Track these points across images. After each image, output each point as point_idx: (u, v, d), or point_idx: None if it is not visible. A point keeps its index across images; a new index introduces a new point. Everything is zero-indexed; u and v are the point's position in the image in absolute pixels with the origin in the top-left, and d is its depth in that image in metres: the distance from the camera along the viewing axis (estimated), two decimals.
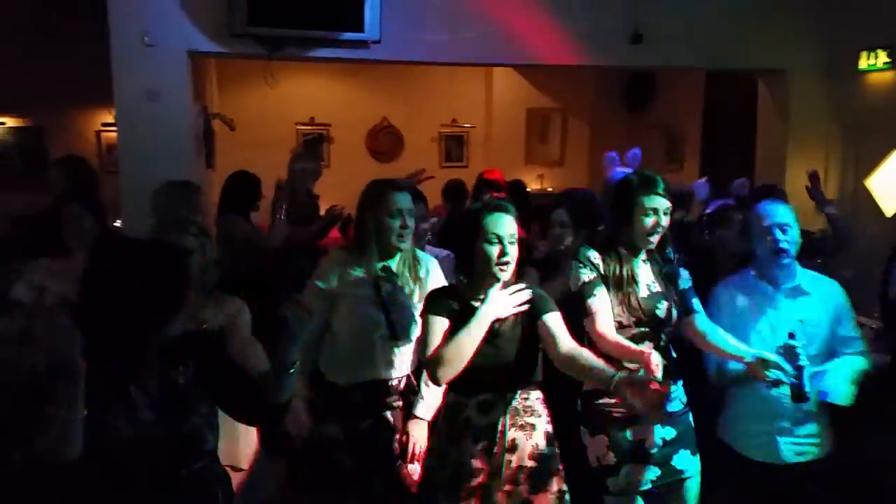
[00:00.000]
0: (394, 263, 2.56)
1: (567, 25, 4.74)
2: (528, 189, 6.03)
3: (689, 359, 2.60)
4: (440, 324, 2.18)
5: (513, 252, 2.17)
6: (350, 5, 4.13)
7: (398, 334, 2.51)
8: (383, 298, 2.48)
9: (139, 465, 1.68)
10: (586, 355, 2.12)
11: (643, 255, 2.47)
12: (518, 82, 7.86)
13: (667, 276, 2.48)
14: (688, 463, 2.46)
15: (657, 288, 2.46)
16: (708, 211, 3.63)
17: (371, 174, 5.93)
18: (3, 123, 7.25)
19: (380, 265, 2.52)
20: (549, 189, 7.92)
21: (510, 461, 2.18)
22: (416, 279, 2.59)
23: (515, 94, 7.93)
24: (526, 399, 2.24)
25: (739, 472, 2.62)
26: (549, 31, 4.72)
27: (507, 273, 2.18)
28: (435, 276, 2.67)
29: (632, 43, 4.77)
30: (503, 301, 2.17)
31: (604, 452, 2.40)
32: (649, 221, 2.37)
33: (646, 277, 2.46)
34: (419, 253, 2.72)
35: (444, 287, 2.46)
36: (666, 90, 7.64)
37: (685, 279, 2.54)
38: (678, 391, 2.50)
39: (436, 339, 2.15)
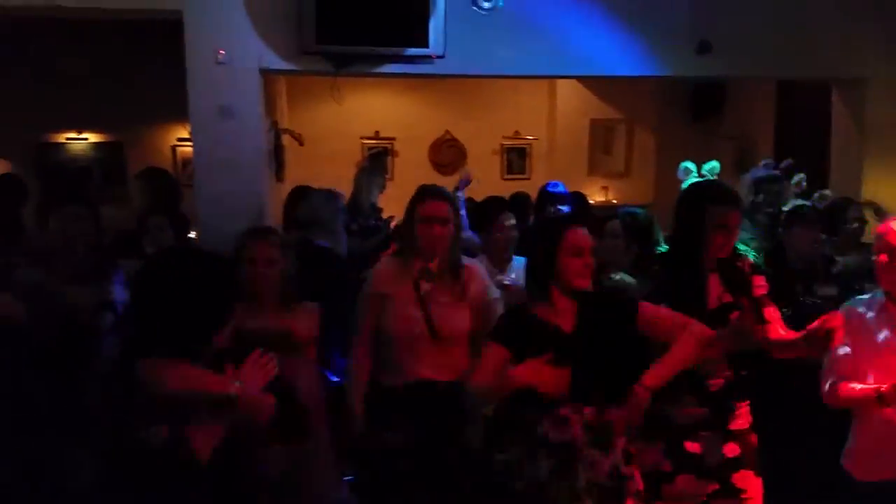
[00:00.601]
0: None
1: (631, 36, 4.69)
2: (590, 201, 6.00)
3: (765, 376, 2.51)
4: (495, 352, 2.21)
5: (591, 264, 2.22)
6: (415, 22, 4.20)
7: (435, 333, 2.57)
8: (421, 297, 2.57)
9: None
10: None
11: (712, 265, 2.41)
12: (581, 93, 7.81)
13: (738, 285, 2.40)
14: (750, 484, 2.39)
15: (726, 299, 2.39)
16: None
17: None
18: (85, 139, 7.64)
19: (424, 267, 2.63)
20: (614, 201, 7.82)
21: (587, 478, 2.16)
22: (456, 281, 2.66)
23: (579, 105, 7.89)
24: (603, 415, 2.20)
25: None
26: (613, 42, 4.69)
27: (587, 283, 2.21)
28: (478, 279, 2.73)
29: (698, 53, 4.69)
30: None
31: (660, 459, 2.37)
32: (719, 235, 2.32)
33: (715, 288, 2.41)
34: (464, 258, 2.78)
35: (517, 309, 2.41)
36: (736, 100, 7.46)
37: (759, 287, 2.44)
38: (746, 409, 2.44)
39: (485, 365, 2.19)
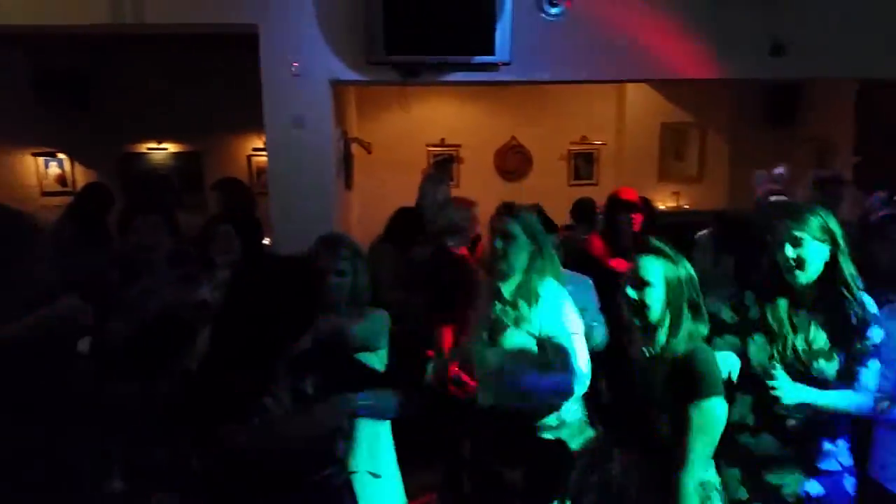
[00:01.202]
0: (507, 286, 2.62)
1: (703, 38, 4.60)
2: (661, 207, 5.86)
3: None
4: None
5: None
6: (482, 30, 4.24)
7: (490, 336, 2.60)
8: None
9: (270, 471, 1.78)
10: None
11: (806, 299, 2.18)
12: (652, 97, 7.68)
13: (840, 330, 2.15)
14: None
15: (821, 343, 2.17)
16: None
17: (499, 193, 5.98)
18: (165, 149, 7.99)
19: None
20: (686, 206, 7.65)
21: None
22: (524, 298, 2.60)
23: (649, 109, 7.75)
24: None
25: None
26: (684, 44, 4.60)
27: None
28: (552, 298, 2.62)
29: (772, 55, 4.56)
30: None
31: (735, 486, 2.26)
32: (789, 254, 2.15)
33: (805, 327, 2.18)
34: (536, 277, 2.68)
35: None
36: (812, 101, 7.19)
37: (872, 337, 2.15)
38: (838, 449, 2.25)
39: None
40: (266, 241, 4.77)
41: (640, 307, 2.05)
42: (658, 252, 2.06)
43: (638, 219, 3.87)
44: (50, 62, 7.00)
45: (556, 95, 7.65)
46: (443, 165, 7.59)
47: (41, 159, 7.84)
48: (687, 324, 2.04)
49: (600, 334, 2.99)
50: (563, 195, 5.29)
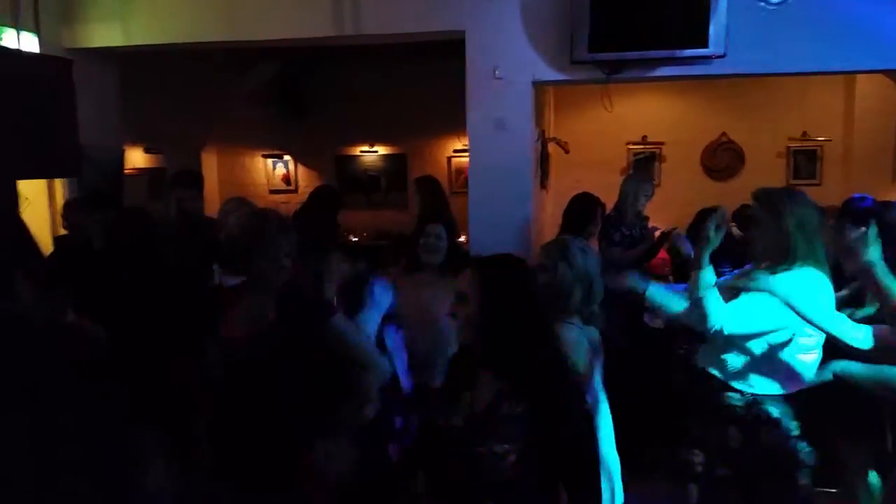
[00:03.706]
0: None
1: None
2: None
3: None
4: None
5: None
6: (694, 21, 4.01)
7: None
8: None
9: None
10: None
11: None
12: (887, 89, 6.78)
13: None
14: None
15: None
16: None
17: (705, 193, 5.67)
18: (375, 151, 8.54)
19: None
20: None
21: None
22: None
23: (884, 103, 6.85)
24: None
25: None
26: None
27: None
28: None
29: None
30: None
31: None
32: None
33: None
34: None
35: None
36: None
37: None
38: None
39: None
40: (461, 238, 4.92)
41: None
42: None
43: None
44: (268, 73, 7.76)
45: (773, 88, 7.05)
46: (645, 165, 7.33)
47: (270, 160, 8.74)
48: None
49: None
50: None
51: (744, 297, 2.49)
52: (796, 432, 2.51)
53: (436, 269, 3.38)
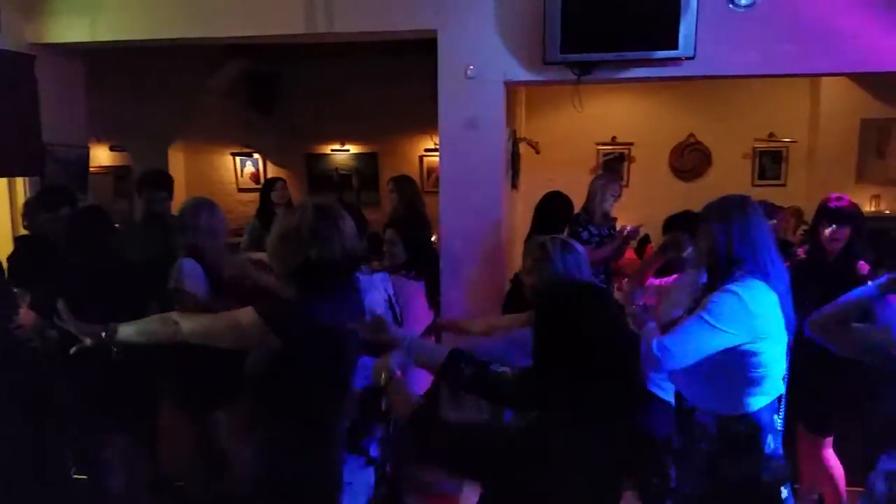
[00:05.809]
0: None
1: None
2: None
3: None
4: None
5: None
6: (664, 24, 4.06)
7: None
8: None
9: None
10: None
11: None
12: (850, 91, 6.97)
13: None
14: None
15: None
16: None
17: (672, 193, 5.73)
18: (347, 149, 8.49)
19: None
20: (887, 212, 6.89)
21: None
22: None
23: (847, 104, 7.03)
24: None
25: None
26: (890, 33, 4.12)
27: None
28: None
29: None
30: None
31: None
32: None
33: None
34: None
35: None
36: None
37: None
38: None
39: None
40: (433, 238, 4.92)
41: None
42: None
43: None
44: (238, 69, 7.68)
45: (741, 89, 7.17)
46: (612, 166, 7.41)
47: (238, 158, 8.64)
48: None
49: None
50: (748, 195, 4.91)
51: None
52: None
53: (402, 270, 3.39)
